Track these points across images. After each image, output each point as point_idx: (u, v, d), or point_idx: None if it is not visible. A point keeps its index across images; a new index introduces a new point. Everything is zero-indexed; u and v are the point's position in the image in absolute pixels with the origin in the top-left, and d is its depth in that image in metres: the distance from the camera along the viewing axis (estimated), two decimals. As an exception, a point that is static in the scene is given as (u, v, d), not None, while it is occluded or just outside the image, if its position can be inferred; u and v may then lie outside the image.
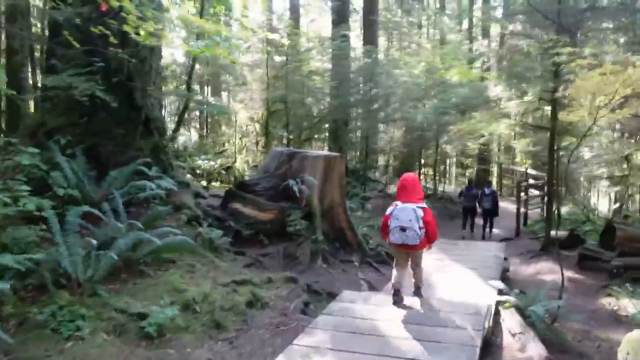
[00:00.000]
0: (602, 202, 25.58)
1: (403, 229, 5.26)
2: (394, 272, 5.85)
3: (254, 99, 17.53)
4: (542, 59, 12.08)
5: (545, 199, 19.18)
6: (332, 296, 7.21)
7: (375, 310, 5.46)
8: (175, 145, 14.78)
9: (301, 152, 9.60)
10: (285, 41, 15.22)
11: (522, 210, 15.93)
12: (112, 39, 6.52)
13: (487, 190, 14.76)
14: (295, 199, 8.71)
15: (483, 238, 14.37)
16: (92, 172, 7.56)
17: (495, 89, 12.82)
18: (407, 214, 5.27)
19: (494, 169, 29.72)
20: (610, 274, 10.02)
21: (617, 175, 15.91)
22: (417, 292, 6.09)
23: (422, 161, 21.06)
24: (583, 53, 11.79)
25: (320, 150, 20.76)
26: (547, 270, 10.82)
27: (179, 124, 14.33)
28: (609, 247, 11.51)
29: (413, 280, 6.06)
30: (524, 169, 23.88)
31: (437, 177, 20.76)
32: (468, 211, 14.93)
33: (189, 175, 10.94)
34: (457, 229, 16.04)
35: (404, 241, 5.34)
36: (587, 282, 9.91)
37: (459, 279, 7.55)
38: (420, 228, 5.27)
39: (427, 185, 21.54)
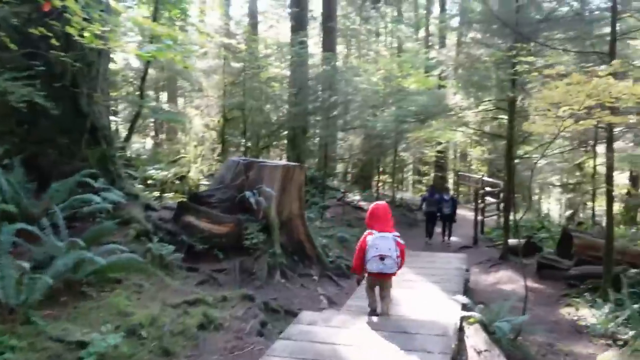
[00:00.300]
0: (554, 208, 26.04)
1: (382, 258, 5.27)
2: (368, 297, 5.83)
3: (211, 106, 16.99)
4: (498, 68, 12.05)
5: (502, 206, 19.32)
6: (290, 314, 6.83)
7: (336, 333, 5.10)
8: (128, 154, 14.15)
9: (258, 161, 9.16)
10: (243, 46, 14.80)
11: (479, 218, 15.89)
12: (54, 42, 5.98)
13: (446, 197, 14.94)
14: (252, 211, 8.28)
15: (443, 241, 14.72)
16: (31, 185, 6.96)
17: (455, 98, 12.71)
18: (387, 243, 5.31)
19: (450, 176, 29.91)
20: (569, 283, 9.97)
21: (570, 182, 16.04)
22: (386, 308, 5.92)
23: (381, 168, 20.87)
24: (538, 63, 11.83)
25: (278, 158, 20.38)
26: (507, 280, 10.71)
27: (131, 131, 13.71)
28: (567, 256, 11.49)
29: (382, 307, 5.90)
30: (479, 176, 24.05)
31: (395, 185, 20.61)
32: (431, 216, 14.96)
33: (140, 186, 10.37)
34: (417, 237, 15.87)
35: (381, 270, 5.35)
36: (546, 292, 9.82)
37: (423, 294, 7.27)
38: (397, 257, 5.33)
39: (386, 193, 21.42)
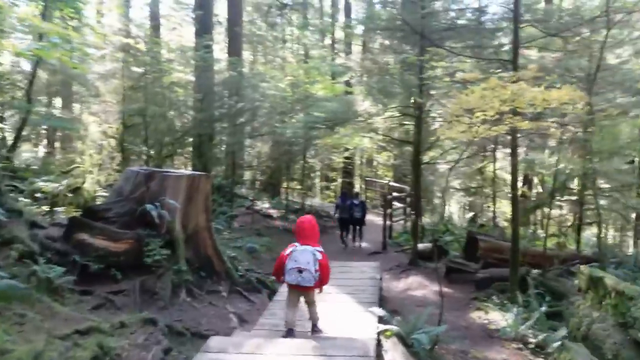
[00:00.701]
0: (455, 211, 26.89)
1: (300, 271, 5.39)
2: (286, 310, 5.85)
3: (109, 112, 15.84)
4: (404, 75, 12.07)
5: (408, 210, 19.55)
6: (198, 337, 6.26)
7: (249, 360, 4.62)
8: (15, 164, 12.83)
9: (161, 171, 8.43)
10: (143, 47, 13.89)
11: (388, 223, 15.92)
12: None
13: (356, 201, 15.08)
14: (154, 226, 7.56)
15: (354, 246, 14.94)
16: None
17: (363, 104, 12.59)
18: (306, 257, 5.42)
19: (358, 182, 30.13)
20: (477, 286, 10.05)
21: (472, 186, 16.48)
22: (315, 329, 5.99)
23: (290, 175, 20.50)
24: (440, 71, 11.97)
25: (183, 166, 19.47)
26: (417, 285, 10.65)
27: (17, 139, 12.42)
28: (473, 259, 11.66)
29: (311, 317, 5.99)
30: (386, 182, 24.31)
31: (304, 191, 20.33)
32: (344, 222, 15.10)
33: (27, 201, 9.30)
34: (329, 244, 15.59)
35: (299, 282, 5.47)
36: (456, 296, 9.81)
37: (339, 308, 6.93)
38: (316, 271, 5.43)
39: (295, 200, 21.09)
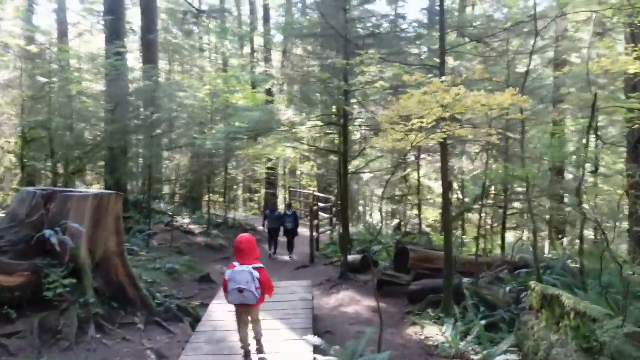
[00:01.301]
0: (377, 219, 26.76)
1: (241, 291, 5.46)
2: (239, 330, 5.87)
3: (6, 125, 14.31)
4: (326, 82, 11.60)
5: (334, 220, 19.12)
6: (108, 382, 5.38)
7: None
8: None
9: (62, 191, 7.35)
10: (48, 54, 12.62)
11: (315, 234, 15.39)
12: None
13: (288, 212, 15.37)
14: (55, 254, 6.57)
15: (290, 257, 15.13)
16: None
17: (287, 113, 12.00)
18: (244, 277, 5.46)
19: (282, 192, 29.52)
20: (410, 299, 9.64)
21: (397, 195, 16.26)
22: (259, 346, 5.97)
23: (211, 188, 19.50)
24: (361, 78, 11.61)
25: (95, 183, 18.09)
26: (350, 301, 10.11)
27: None
28: (403, 269, 11.30)
29: (253, 336, 5.96)
30: (310, 192, 23.83)
31: (226, 204, 19.44)
32: (273, 233, 15.25)
33: None
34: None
35: (241, 302, 5.56)
36: (390, 311, 9.33)
37: (271, 337, 6.23)
38: (256, 288, 5.50)
39: (217, 213, 20.15)
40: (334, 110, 12.80)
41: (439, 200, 19.56)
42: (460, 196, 19.96)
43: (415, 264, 10.94)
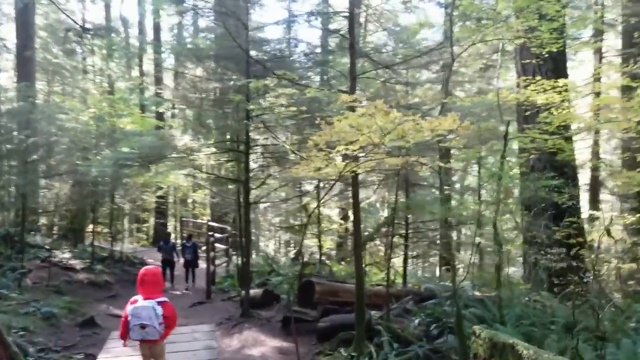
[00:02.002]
0: (272, 248, 26.07)
1: (143, 327, 5.23)
2: None
3: None
4: (224, 110, 10.90)
5: (230, 251, 18.16)
6: None
7: None
8: None
9: None
10: None
11: (211, 267, 14.38)
12: None
13: (188, 243, 14.93)
14: None
15: (187, 289, 14.50)
16: None
17: (184, 138, 11.06)
18: (147, 312, 5.22)
19: (172, 222, 27.98)
20: (319, 337, 9.01)
21: (297, 224, 15.73)
22: None
23: (95, 219, 17.74)
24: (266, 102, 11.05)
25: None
26: (253, 341, 9.27)
27: None
28: (308, 303, 10.69)
29: None
30: (204, 221, 22.66)
31: (112, 236, 17.81)
32: (167, 263, 14.66)
33: None
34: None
35: (143, 337, 5.34)
36: (300, 352, 8.62)
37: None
38: (160, 324, 5.29)
39: (102, 246, 18.41)
40: (233, 137, 12.07)
41: (336, 228, 19.32)
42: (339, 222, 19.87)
43: (321, 298, 10.38)
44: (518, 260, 18.20)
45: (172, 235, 21.76)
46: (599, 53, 17.40)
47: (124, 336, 5.49)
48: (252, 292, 11.75)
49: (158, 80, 23.71)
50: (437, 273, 19.39)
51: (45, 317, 9.65)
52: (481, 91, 18.06)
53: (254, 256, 14.78)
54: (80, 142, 15.37)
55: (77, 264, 15.25)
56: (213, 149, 11.11)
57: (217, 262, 15.59)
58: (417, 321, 9.35)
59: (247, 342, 9.22)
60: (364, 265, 15.87)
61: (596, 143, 17.24)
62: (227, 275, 16.29)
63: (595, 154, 17.32)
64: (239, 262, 14.48)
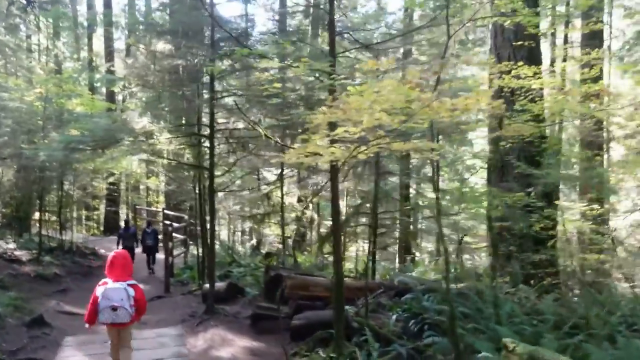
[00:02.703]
0: (225, 236, 25.04)
1: (114, 309, 5.10)
2: (111, 352, 5.53)
3: None
4: (183, 92, 9.96)
5: (188, 241, 17.21)
6: None
7: None
8: None
9: None
10: None
11: (169, 259, 13.45)
12: None
13: (148, 229, 15.10)
14: None
15: (150, 274, 14.75)
16: None
17: (142, 121, 10.07)
18: (119, 294, 5.11)
19: (124, 210, 26.62)
20: (293, 336, 8.31)
21: (259, 213, 14.96)
22: None
23: (43, 206, 16.38)
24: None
25: None
26: (221, 341, 8.46)
27: None
28: (274, 297, 9.98)
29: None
30: (159, 210, 21.53)
31: (61, 225, 16.51)
32: (127, 250, 13.03)
33: None
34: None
35: (114, 320, 5.18)
36: (272, 352, 7.94)
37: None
38: (131, 306, 5.17)
39: (50, 235, 17.10)
40: (193, 120, 11.16)
41: (291, 215, 18.57)
42: (316, 215, 19.22)
43: (291, 293, 9.68)
44: (483, 250, 18.08)
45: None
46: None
47: (91, 319, 5.31)
48: (216, 284, 10.94)
49: (110, 57, 22.21)
50: (397, 264, 19.00)
51: (-15, 318, 8.58)
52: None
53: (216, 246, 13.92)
54: (26, 124, 14.06)
55: (22, 255, 14.01)
56: (173, 133, 10.17)
57: (175, 252, 14.65)
58: (394, 317, 8.82)
59: (214, 342, 8.43)
60: (326, 257, 15.32)
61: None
62: (186, 267, 15.39)
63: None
64: (198, 252, 13.63)
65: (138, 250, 14.61)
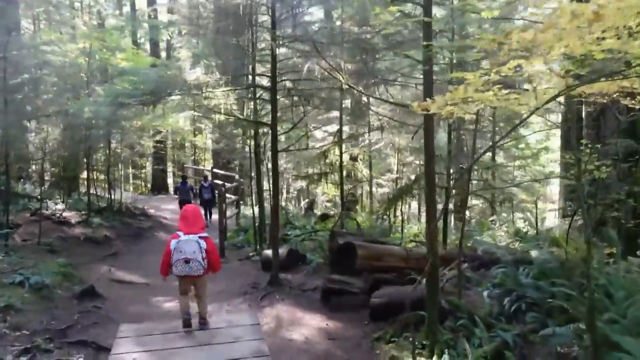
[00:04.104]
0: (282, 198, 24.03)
1: (187, 261, 5.04)
2: (180, 299, 5.38)
3: None
4: (239, 40, 8.63)
5: (240, 203, 16.23)
6: None
7: None
8: None
9: None
10: None
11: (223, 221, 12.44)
12: None
13: (205, 184, 15.43)
14: None
15: (207, 226, 13.98)
16: None
17: (195, 72, 8.84)
18: (191, 246, 5.06)
19: (171, 168, 25.87)
20: (372, 316, 7.14)
21: (316, 172, 13.73)
22: (203, 322, 5.36)
23: (90, 166, 15.52)
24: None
25: None
26: (290, 320, 7.36)
27: None
28: (346, 269, 8.84)
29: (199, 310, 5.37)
30: (208, 169, 20.59)
31: (110, 184, 15.68)
32: (184, 204, 13.66)
33: None
34: (147, 254, 11.69)
35: (187, 273, 5.10)
36: (350, 335, 6.76)
37: None
38: (203, 259, 5.11)
39: (99, 194, 16.36)
40: (248, 71, 9.87)
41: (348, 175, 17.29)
42: (367, 171, 17.91)
43: (363, 263, 8.50)
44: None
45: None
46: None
47: (165, 272, 5.23)
48: (268, 252, 9.85)
49: (154, 10, 20.92)
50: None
51: (35, 289, 7.69)
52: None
53: (266, 205, 12.85)
54: (70, 80, 13.04)
55: (71, 216, 13.23)
56: (229, 86, 8.88)
57: (228, 214, 13.64)
58: (485, 293, 7.56)
59: (282, 320, 7.36)
60: (392, 220, 14.05)
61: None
62: (239, 229, 14.40)
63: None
64: (254, 215, 12.58)
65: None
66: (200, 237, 5.17)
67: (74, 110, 10.25)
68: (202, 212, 14.31)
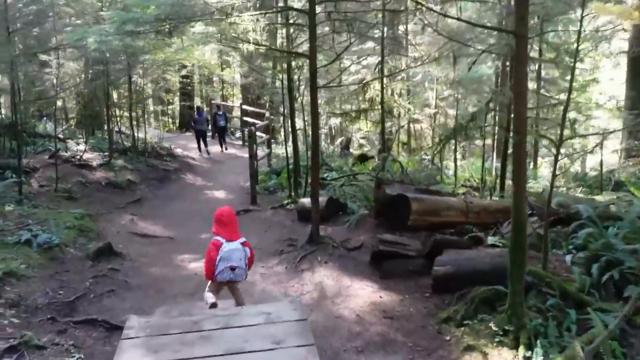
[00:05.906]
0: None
1: (233, 268, 4.83)
2: (207, 292, 4.93)
3: None
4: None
5: (271, 142, 14.86)
6: None
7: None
8: None
9: None
10: None
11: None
12: None
13: (219, 112, 16.33)
14: None
15: (222, 152, 16.26)
16: None
17: (218, -7, 7.26)
18: (238, 254, 4.85)
19: (198, 104, 24.45)
20: (436, 288, 5.81)
21: (354, 110, 12.14)
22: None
23: (111, 103, 14.20)
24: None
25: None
26: (336, 288, 6.09)
27: None
28: (397, 223, 7.50)
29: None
30: (235, 104, 19.14)
31: (134, 123, 14.42)
32: (200, 134, 15.71)
33: None
34: (174, 199, 10.62)
35: (232, 279, 4.89)
36: (409, 313, 5.44)
37: None
38: (245, 265, 4.93)
39: (124, 132, 15.19)
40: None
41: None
42: (408, 106, 16.21)
43: (418, 219, 7.14)
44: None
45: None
46: None
47: (211, 277, 4.88)
48: (307, 201, 8.51)
49: None
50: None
51: (44, 249, 6.57)
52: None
53: (300, 146, 11.43)
54: (78, 5, 11.48)
55: (93, 158, 12.11)
56: (259, 9, 7.27)
57: (258, 154, 12.28)
58: (567, 258, 6.15)
59: (326, 289, 6.11)
60: (440, 164, 12.49)
61: None
62: (270, 171, 13.09)
63: None
64: (287, 157, 11.22)
65: None
66: (241, 244, 4.90)
67: (72, 42, 8.75)
68: (218, 139, 16.40)
